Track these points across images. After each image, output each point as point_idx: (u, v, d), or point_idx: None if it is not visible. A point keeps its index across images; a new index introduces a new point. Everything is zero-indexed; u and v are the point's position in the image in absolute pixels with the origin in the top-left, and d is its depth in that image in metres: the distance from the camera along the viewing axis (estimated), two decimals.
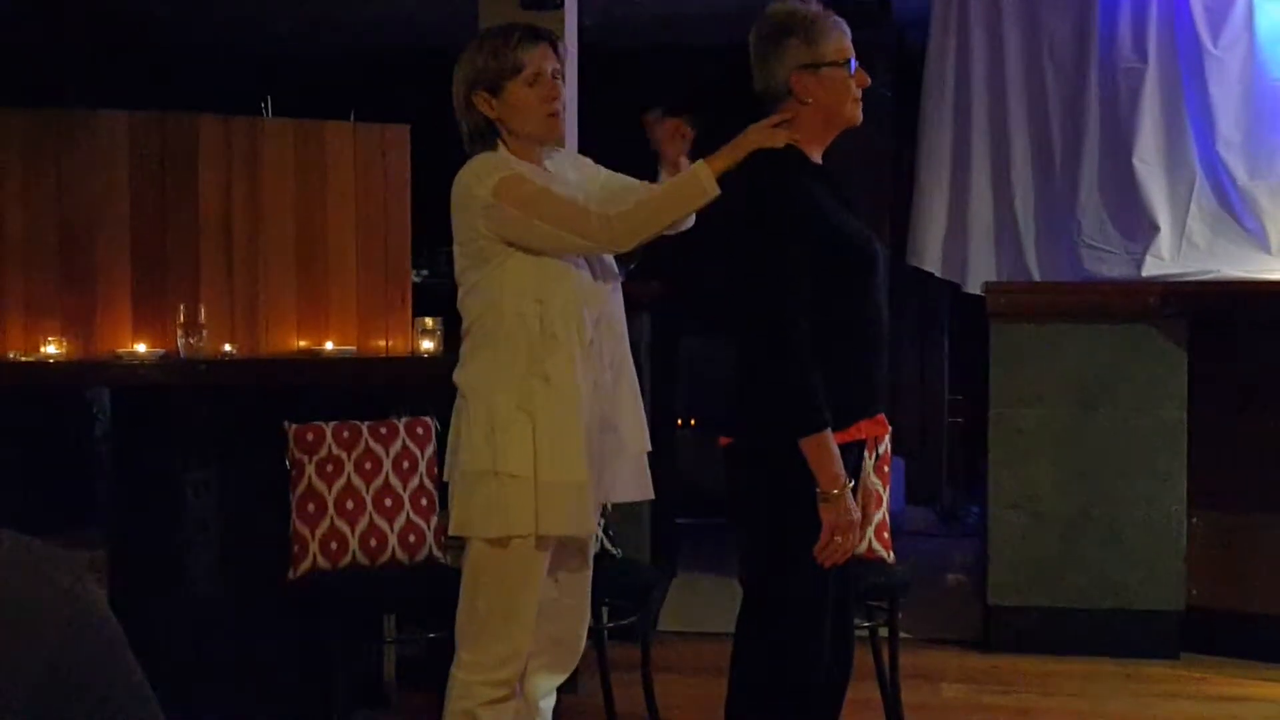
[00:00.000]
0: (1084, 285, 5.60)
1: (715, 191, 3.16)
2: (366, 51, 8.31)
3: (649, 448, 3.43)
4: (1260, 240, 5.51)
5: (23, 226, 4.71)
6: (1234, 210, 5.55)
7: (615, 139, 3.44)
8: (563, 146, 3.45)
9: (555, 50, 3.29)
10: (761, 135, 3.13)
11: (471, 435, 3.24)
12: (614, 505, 3.76)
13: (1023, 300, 5.49)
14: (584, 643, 3.54)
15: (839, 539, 2.99)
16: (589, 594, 3.50)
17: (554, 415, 3.18)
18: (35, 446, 4.71)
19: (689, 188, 3.19)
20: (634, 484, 3.42)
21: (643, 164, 3.50)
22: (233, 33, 8.12)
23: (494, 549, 3.24)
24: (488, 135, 3.29)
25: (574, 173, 3.41)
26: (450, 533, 3.44)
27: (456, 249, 3.30)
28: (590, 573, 3.49)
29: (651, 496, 3.50)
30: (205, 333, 4.69)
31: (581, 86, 5.08)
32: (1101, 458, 5.34)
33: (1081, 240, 5.72)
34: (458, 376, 3.32)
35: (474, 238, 3.24)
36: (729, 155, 3.16)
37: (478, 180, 3.22)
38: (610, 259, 3.37)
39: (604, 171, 3.47)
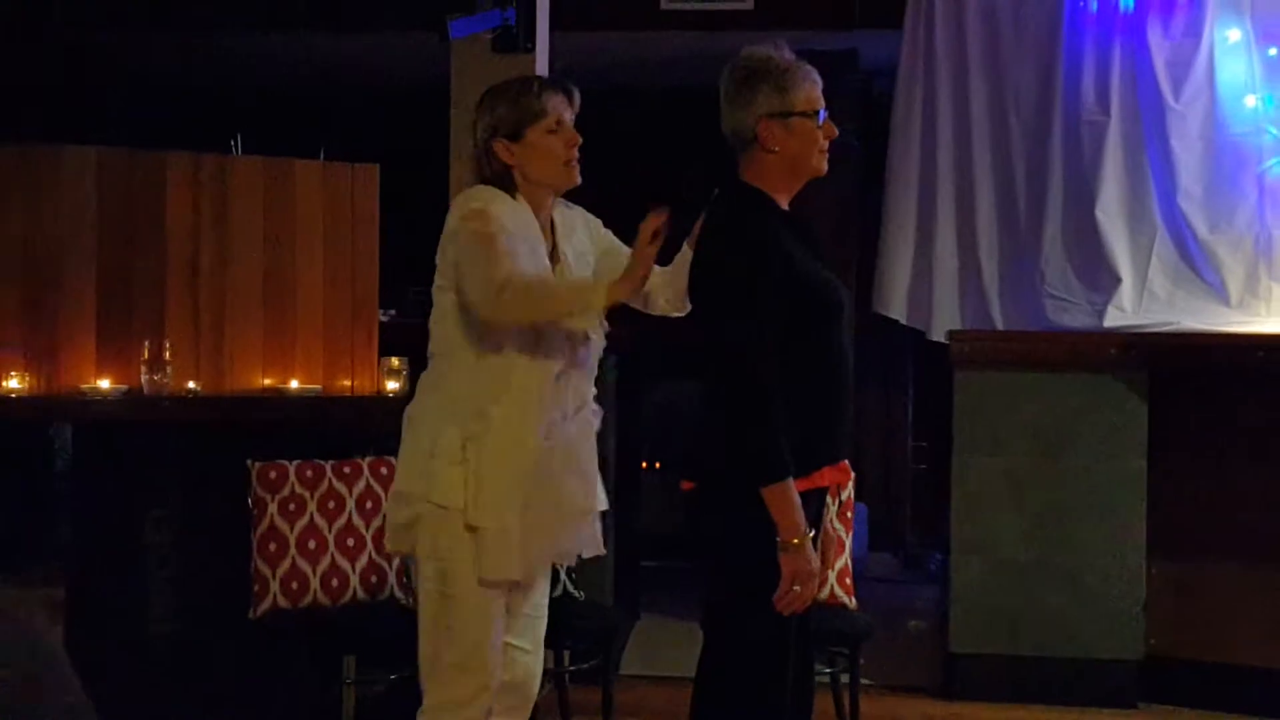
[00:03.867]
0: (1047, 335, 5.65)
1: (595, 321, 3.22)
2: (338, 91, 8.33)
3: (605, 506, 3.45)
4: (1220, 293, 5.56)
5: None
6: (1194, 263, 5.61)
7: (588, 180, 3.46)
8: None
9: (571, 101, 3.34)
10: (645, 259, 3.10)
11: (410, 458, 3.28)
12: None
13: (986, 349, 5.53)
14: (538, 685, 3.53)
15: (798, 587, 3.00)
16: (541, 636, 3.49)
17: (494, 459, 3.20)
18: None
19: (580, 299, 3.20)
20: (589, 540, 3.44)
21: (615, 204, 3.51)
22: (202, 70, 8.12)
23: (445, 593, 3.25)
24: (505, 182, 3.30)
25: (582, 224, 3.43)
26: (387, 548, 3.47)
27: (437, 269, 3.32)
28: (544, 616, 3.49)
29: (602, 552, 3.52)
30: (170, 369, 4.67)
31: None
32: (1062, 506, 5.37)
33: (1045, 290, 5.77)
34: (410, 406, 3.35)
35: (445, 261, 3.27)
36: (625, 286, 3.11)
37: (458, 204, 3.28)
38: None
39: (609, 236, 3.48)
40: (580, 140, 3.32)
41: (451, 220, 3.26)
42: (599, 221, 3.50)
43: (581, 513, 3.39)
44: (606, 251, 3.44)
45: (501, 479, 3.20)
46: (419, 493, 3.24)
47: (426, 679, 3.33)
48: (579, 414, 3.36)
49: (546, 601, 3.51)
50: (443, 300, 3.30)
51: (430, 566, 3.27)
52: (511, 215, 3.26)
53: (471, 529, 3.20)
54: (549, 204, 3.35)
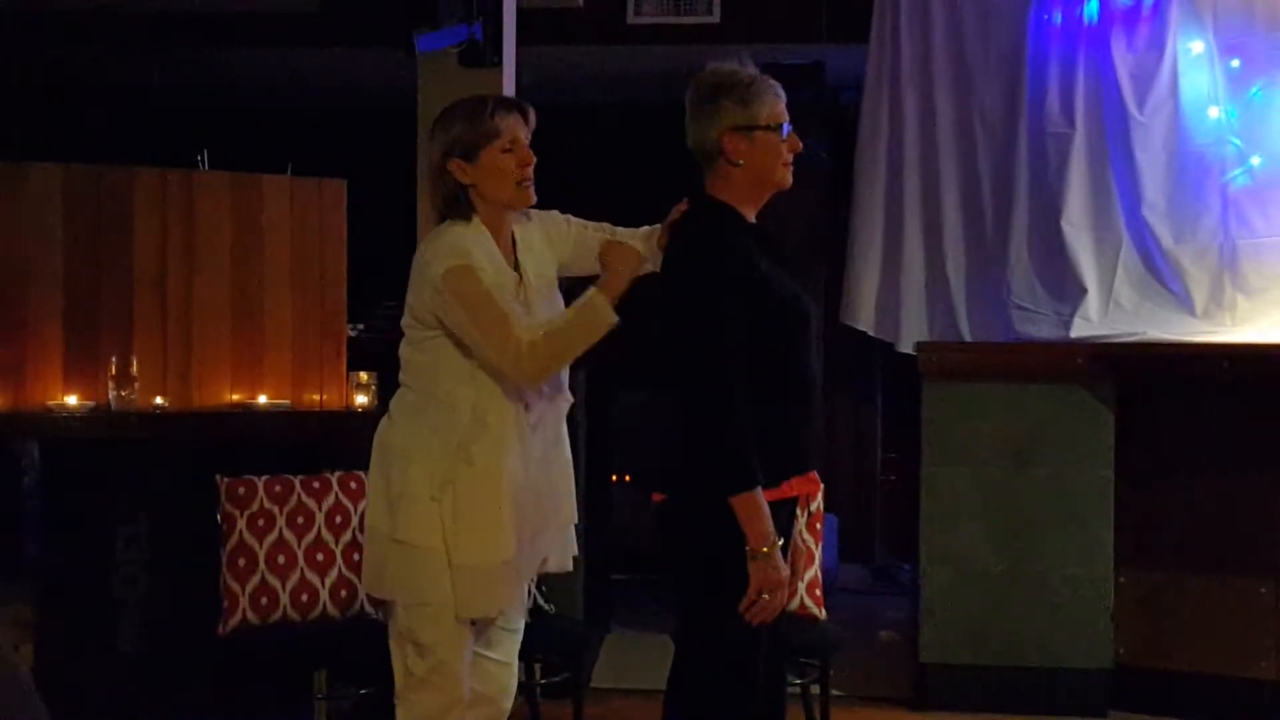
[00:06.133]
0: (1014, 345, 5.67)
1: (614, 319, 3.25)
2: (305, 106, 8.32)
3: (576, 519, 3.46)
4: (1185, 303, 5.59)
5: None
6: (1159, 274, 5.63)
7: (557, 196, 3.46)
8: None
9: (527, 120, 3.34)
10: (631, 265, 3.28)
11: (375, 494, 3.30)
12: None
13: (954, 360, 5.56)
14: (512, 699, 3.54)
15: (766, 597, 3.01)
16: (516, 649, 3.50)
17: (475, 498, 3.21)
18: None
19: (589, 318, 3.25)
20: (561, 553, 3.45)
21: (584, 219, 3.52)
22: (169, 85, 8.10)
23: (414, 617, 3.26)
24: (461, 202, 3.30)
25: (540, 235, 3.42)
26: (363, 587, 3.46)
27: (407, 303, 3.33)
28: (520, 630, 3.50)
29: (570, 569, 3.53)
30: (137, 385, 4.66)
31: None
32: (1031, 516, 5.39)
33: (1011, 301, 5.79)
34: (381, 431, 3.34)
35: (422, 305, 3.27)
36: (615, 284, 3.27)
37: (436, 259, 3.25)
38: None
39: (575, 224, 3.48)
40: (534, 160, 3.32)
41: (430, 270, 3.23)
42: (556, 215, 3.49)
43: (557, 527, 3.41)
44: (576, 242, 3.45)
45: (483, 518, 3.21)
46: (386, 532, 3.25)
47: (399, 700, 3.34)
48: (557, 425, 3.37)
49: (523, 616, 3.52)
50: (414, 336, 3.31)
51: (401, 599, 3.28)
52: (484, 252, 3.27)
53: (458, 570, 3.21)
54: (508, 223, 3.36)
